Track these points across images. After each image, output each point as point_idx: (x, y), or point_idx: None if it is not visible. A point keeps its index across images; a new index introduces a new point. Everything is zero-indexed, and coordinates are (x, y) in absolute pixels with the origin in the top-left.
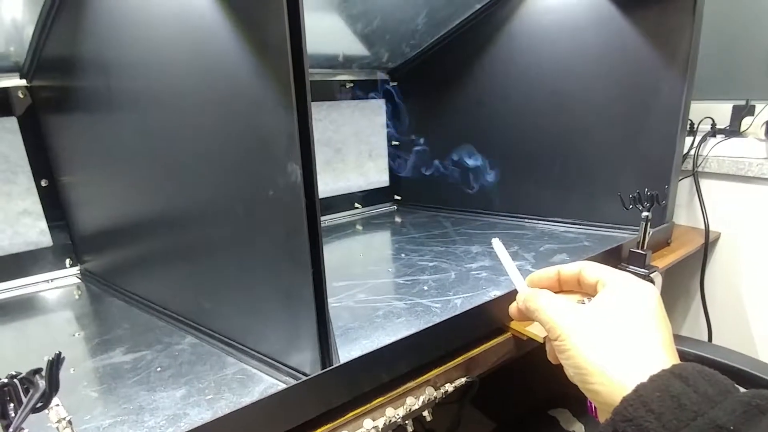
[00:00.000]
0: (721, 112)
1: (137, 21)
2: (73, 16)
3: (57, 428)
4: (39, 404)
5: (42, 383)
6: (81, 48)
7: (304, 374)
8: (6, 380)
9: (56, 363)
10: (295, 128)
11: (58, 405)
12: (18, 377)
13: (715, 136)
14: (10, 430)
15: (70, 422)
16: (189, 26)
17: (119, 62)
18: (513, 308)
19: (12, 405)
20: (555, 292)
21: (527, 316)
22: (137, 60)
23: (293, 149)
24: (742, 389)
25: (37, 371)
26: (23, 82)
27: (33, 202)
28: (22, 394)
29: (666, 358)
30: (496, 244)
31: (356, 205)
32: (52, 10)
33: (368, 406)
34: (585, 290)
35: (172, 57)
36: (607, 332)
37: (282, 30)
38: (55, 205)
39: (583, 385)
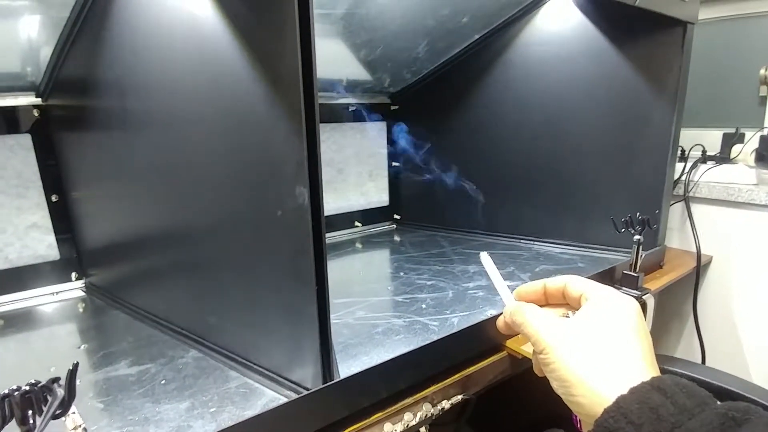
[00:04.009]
0: (712, 139)
1: (157, 48)
2: (92, 40)
3: None
4: (58, 411)
5: (60, 391)
6: (99, 70)
7: (306, 389)
8: (27, 387)
9: (74, 372)
10: (305, 154)
11: (74, 413)
12: (38, 385)
13: (705, 163)
14: None
15: (85, 429)
16: (207, 57)
17: (137, 86)
18: (500, 322)
19: (30, 412)
20: (541, 306)
21: (514, 330)
22: (155, 85)
23: (302, 173)
24: (719, 402)
25: (56, 380)
26: (38, 101)
27: (42, 217)
28: (40, 402)
29: (646, 370)
30: (484, 258)
31: (356, 223)
32: (72, 34)
33: (367, 421)
34: (570, 303)
35: (189, 84)
36: (590, 345)
37: (295, 63)
38: (63, 220)
39: (566, 396)
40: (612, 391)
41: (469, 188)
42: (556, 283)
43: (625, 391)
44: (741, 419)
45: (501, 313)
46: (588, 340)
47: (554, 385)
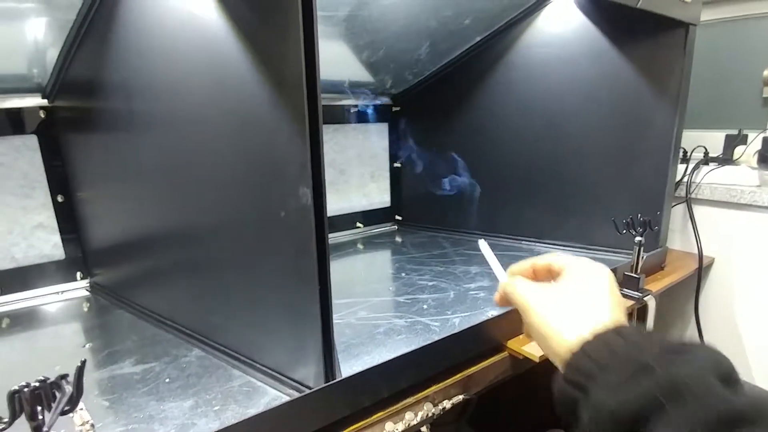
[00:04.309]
0: (714, 140)
1: (163, 50)
2: (98, 42)
3: (81, 431)
4: (66, 407)
5: (69, 388)
6: (105, 72)
7: (308, 387)
8: (37, 384)
9: (83, 369)
10: (308, 156)
11: (82, 409)
12: (47, 381)
13: (708, 164)
14: (45, 429)
15: (92, 425)
16: (212, 59)
17: (142, 87)
18: (497, 296)
19: (39, 408)
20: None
21: (507, 301)
22: (161, 86)
23: (305, 174)
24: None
25: (64, 376)
26: (44, 102)
27: (48, 217)
28: (50, 398)
29: (612, 322)
30: (482, 244)
31: (358, 224)
32: (78, 36)
33: (368, 420)
34: (555, 278)
35: (194, 86)
36: (565, 304)
37: (299, 66)
38: (68, 220)
39: (546, 349)
40: (581, 339)
41: (470, 187)
42: (542, 260)
43: (590, 337)
44: (684, 349)
45: (502, 313)
46: (564, 300)
47: (537, 341)
